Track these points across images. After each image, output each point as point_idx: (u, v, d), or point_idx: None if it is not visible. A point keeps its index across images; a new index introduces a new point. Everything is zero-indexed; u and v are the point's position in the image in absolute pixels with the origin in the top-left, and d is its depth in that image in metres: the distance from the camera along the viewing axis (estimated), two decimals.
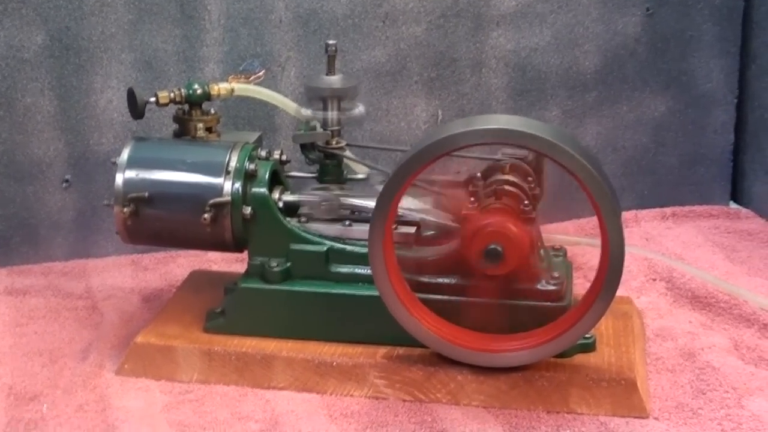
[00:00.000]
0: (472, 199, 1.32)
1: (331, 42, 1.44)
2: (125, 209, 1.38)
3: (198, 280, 1.57)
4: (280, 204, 1.40)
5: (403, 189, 1.29)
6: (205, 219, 1.36)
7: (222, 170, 1.38)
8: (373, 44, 1.74)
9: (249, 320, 1.39)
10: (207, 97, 1.47)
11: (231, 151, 1.40)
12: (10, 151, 1.66)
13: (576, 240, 1.77)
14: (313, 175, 1.48)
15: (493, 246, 1.27)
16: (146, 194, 1.38)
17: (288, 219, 1.40)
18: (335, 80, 1.45)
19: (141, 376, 1.38)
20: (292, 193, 1.43)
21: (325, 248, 1.38)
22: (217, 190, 1.37)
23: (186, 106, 1.47)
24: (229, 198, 1.37)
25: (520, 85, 1.81)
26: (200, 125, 1.46)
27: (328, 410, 1.31)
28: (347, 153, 1.48)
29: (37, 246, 1.71)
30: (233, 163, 1.39)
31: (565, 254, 1.43)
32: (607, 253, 1.25)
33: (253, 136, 1.50)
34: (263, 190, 1.38)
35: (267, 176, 1.39)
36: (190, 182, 1.39)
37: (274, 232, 1.39)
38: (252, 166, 1.38)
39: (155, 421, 1.28)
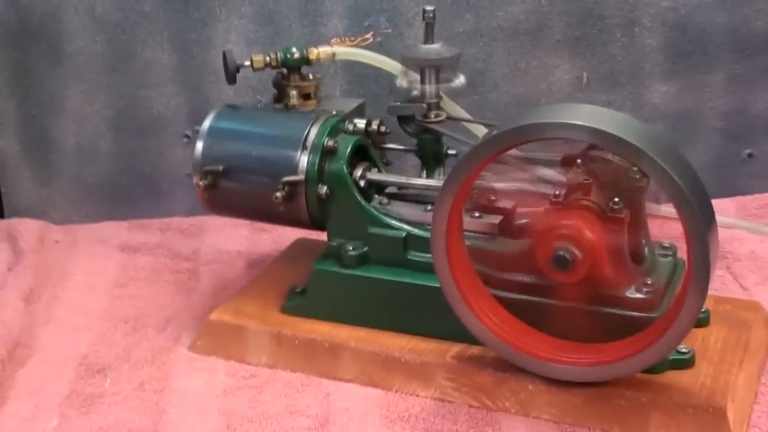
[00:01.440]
0: (557, 192, 1.19)
1: (428, 8, 1.32)
2: (201, 182, 1.33)
3: (300, 249, 1.51)
4: (362, 183, 1.32)
5: (475, 174, 1.17)
6: (277, 197, 1.29)
7: (299, 145, 1.30)
8: (511, 0, 1.61)
9: (324, 304, 1.32)
10: (305, 61, 1.39)
11: (312, 124, 1.31)
12: (131, 105, 1.65)
13: (732, 222, 1.59)
14: (413, 148, 1.39)
15: (561, 252, 1.13)
16: (221, 168, 1.33)
17: (376, 197, 1.32)
18: (433, 50, 1.33)
19: (212, 354, 1.34)
20: (382, 171, 1.35)
21: (403, 234, 1.28)
22: (292, 167, 1.29)
23: (284, 71, 1.40)
24: (302, 176, 1.29)
25: (679, 46, 1.63)
26: (293, 92, 1.38)
27: (387, 410, 1.22)
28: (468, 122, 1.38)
29: (158, 201, 1.70)
30: (311, 138, 1.30)
31: (674, 253, 1.27)
32: (691, 272, 1.10)
33: (353, 104, 1.41)
34: (341, 168, 1.29)
35: (348, 152, 1.30)
36: (265, 157, 1.32)
37: (352, 213, 1.30)
38: (331, 142, 1.29)
39: (207, 407, 1.24)
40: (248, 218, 1.47)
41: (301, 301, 1.34)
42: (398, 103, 1.37)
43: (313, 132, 1.31)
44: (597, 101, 1.63)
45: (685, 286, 1.11)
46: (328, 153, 1.30)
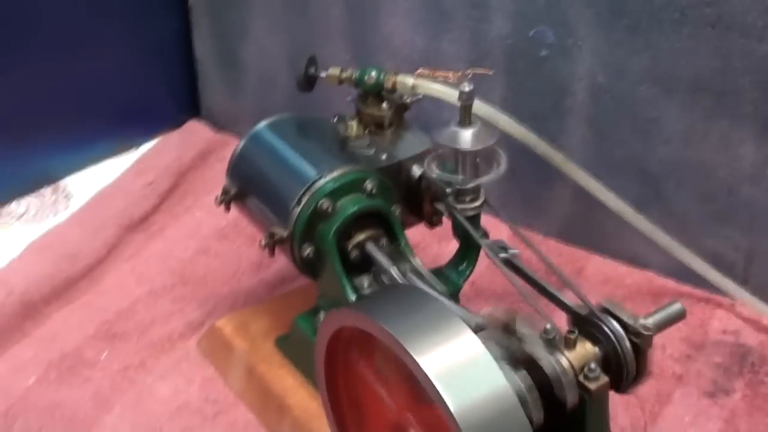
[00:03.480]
0: None
1: (466, 89, 1.12)
2: (220, 196, 1.28)
3: None
4: (354, 254, 1.18)
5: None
6: (261, 244, 1.21)
7: (296, 197, 1.19)
8: (697, 48, 1.28)
9: (299, 358, 1.25)
10: (380, 87, 1.25)
11: (317, 178, 1.19)
12: (304, 49, 1.55)
13: None
14: None
15: None
16: (233, 191, 1.27)
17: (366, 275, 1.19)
18: (466, 137, 1.14)
19: (207, 358, 1.34)
20: (401, 242, 1.20)
21: None
22: (285, 218, 1.19)
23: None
24: (284, 234, 1.19)
25: None
26: (353, 123, 1.26)
27: None
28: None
29: None
30: (308, 194, 1.18)
31: None
32: None
33: (422, 147, 1.25)
34: (328, 235, 1.16)
35: (341, 220, 1.16)
36: (270, 196, 1.23)
37: (332, 284, 1.19)
38: (326, 204, 1.17)
39: (147, 423, 1.24)
40: None
41: (289, 343, 1.28)
42: (438, 173, 1.20)
43: (315, 186, 1.19)
44: None
45: None
46: (321, 215, 1.18)
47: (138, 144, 1.72)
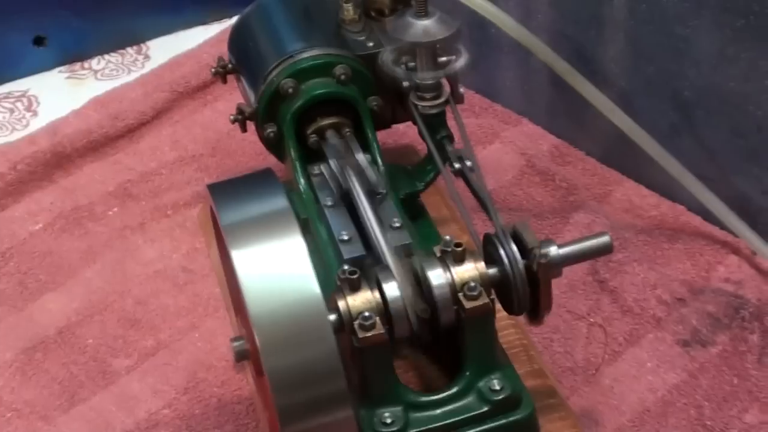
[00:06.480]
0: None
1: None
2: (213, 69, 1.27)
3: None
4: (312, 138, 1.14)
5: None
6: (230, 117, 1.19)
7: (263, 76, 1.16)
8: None
9: None
10: None
11: (286, 58, 1.15)
12: None
13: None
14: None
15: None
16: (229, 66, 1.25)
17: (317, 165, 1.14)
18: (424, 27, 1.06)
19: (201, 229, 1.34)
20: (370, 134, 1.15)
21: (303, 217, 1.11)
22: (256, 93, 1.17)
23: None
24: (250, 108, 1.17)
25: None
26: (349, 6, 1.21)
27: None
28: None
29: None
30: (274, 73, 1.15)
31: None
32: None
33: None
34: (286, 115, 1.13)
35: (301, 101, 1.12)
36: (249, 70, 1.21)
37: (289, 168, 1.16)
38: (289, 85, 1.13)
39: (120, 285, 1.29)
40: None
41: None
42: (389, 66, 1.12)
43: (284, 65, 1.15)
44: None
45: None
46: (283, 95, 1.15)
47: (233, 15, 1.73)
